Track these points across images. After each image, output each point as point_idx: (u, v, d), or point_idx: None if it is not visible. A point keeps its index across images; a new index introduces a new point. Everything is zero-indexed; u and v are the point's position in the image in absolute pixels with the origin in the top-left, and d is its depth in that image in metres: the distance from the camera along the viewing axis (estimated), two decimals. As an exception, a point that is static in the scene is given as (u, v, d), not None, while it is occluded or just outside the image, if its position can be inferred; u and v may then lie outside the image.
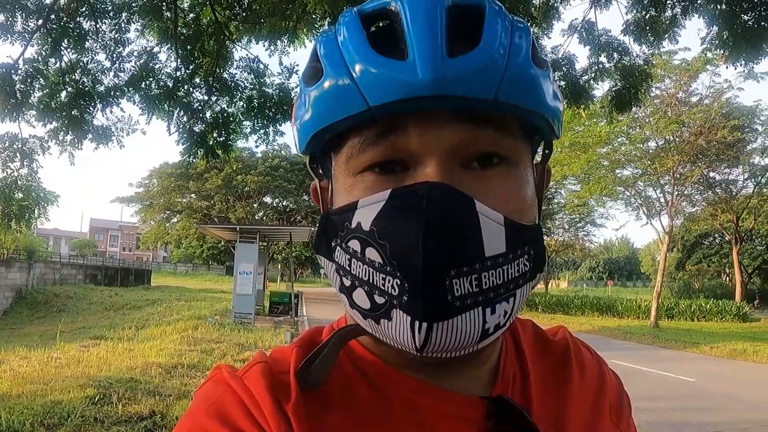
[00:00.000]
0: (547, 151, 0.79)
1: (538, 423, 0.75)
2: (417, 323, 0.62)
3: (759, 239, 56.18)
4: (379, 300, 0.65)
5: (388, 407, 0.73)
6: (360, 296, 0.68)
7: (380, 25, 0.70)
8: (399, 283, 0.62)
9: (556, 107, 0.72)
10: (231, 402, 0.70)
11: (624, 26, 9.08)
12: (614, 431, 0.87)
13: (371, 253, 0.65)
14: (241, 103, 10.27)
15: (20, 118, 9.31)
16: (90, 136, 9.61)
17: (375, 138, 0.67)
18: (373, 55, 0.65)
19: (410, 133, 0.66)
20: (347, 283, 0.70)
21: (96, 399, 7.92)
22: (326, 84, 0.68)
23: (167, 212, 60.88)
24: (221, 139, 10.06)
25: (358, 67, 0.65)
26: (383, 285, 0.64)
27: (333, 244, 0.71)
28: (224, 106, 10.31)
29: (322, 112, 0.69)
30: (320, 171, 0.79)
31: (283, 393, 0.70)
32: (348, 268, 0.68)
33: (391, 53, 0.65)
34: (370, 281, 0.65)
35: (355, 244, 0.67)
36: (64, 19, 9.09)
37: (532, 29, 0.73)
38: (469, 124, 0.66)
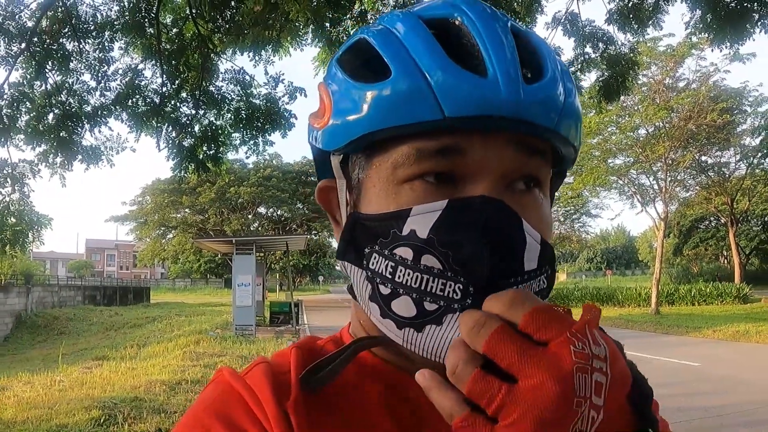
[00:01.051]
0: (560, 180, 0.83)
1: None
2: None
3: (755, 220, 56.35)
4: (431, 306, 0.65)
5: (388, 407, 0.73)
6: (403, 304, 0.67)
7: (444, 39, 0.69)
8: (462, 288, 0.63)
9: (580, 144, 0.76)
10: (232, 400, 0.70)
11: (607, 15, 9.10)
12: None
13: (429, 260, 0.64)
14: (229, 115, 10.29)
15: (8, 143, 9.32)
16: (79, 156, 9.62)
17: (436, 148, 0.66)
18: (453, 65, 0.64)
19: (474, 149, 0.66)
20: (385, 291, 0.68)
21: (101, 420, 7.90)
22: (396, 85, 0.66)
23: (162, 228, 60.80)
24: (211, 152, 10.07)
25: (434, 74, 0.64)
26: (442, 290, 0.64)
27: (367, 250, 0.70)
28: (212, 119, 10.33)
29: (384, 114, 0.67)
30: (339, 171, 0.76)
31: (284, 393, 0.70)
32: (389, 276, 0.67)
33: (466, 66, 0.64)
34: (422, 288, 0.65)
35: (405, 252, 0.66)
36: (47, 41, 9.09)
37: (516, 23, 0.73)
38: (525, 149, 0.68)
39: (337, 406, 0.72)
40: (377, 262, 0.68)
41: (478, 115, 0.63)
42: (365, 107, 0.67)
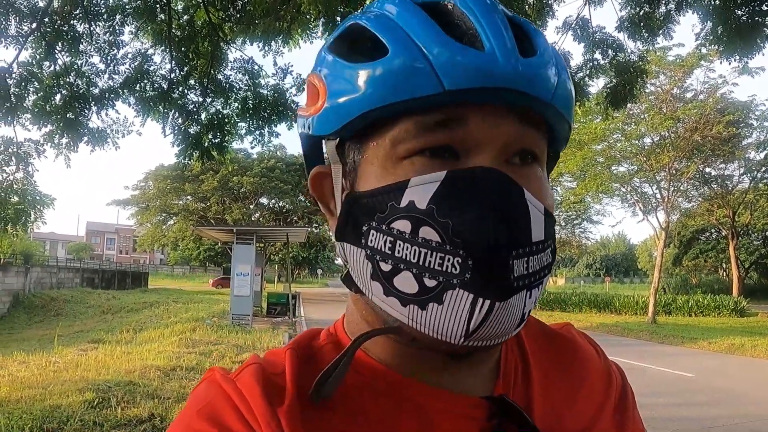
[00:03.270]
0: (552, 162, 0.82)
1: (540, 420, 0.75)
2: (480, 301, 0.62)
3: (755, 234, 56.36)
4: (430, 283, 0.64)
5: (386, 409, 0.72)
6: (405, 280, 0.65)
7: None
8: (460, 261, 0.62)
9: (572, 121, 0.76)
10: (223, 404, 0.69)
11: (618, 23, 9.08)
12: (619, 429, 0.86)
13: (427, 233, 0.63)
14: (236, 104, 10.26)
15: (15, 122, 9.30)
16: (85, 138, 9.59)
17: (435, 123, 0.66)
18: (450, 40, 0.65)
19: (471, 122, 0.66)
20: (386, 267, 0.66)
21: (95, 403, 7.92)
22: (394, 62, 0.66)
23: (163, 214, 60.76)
24: (216, 140, 10.05)
25: (433, 49, 0.65)
26: (440, 265, 0.63)
27: (365, 228, 0.68)
28: (219, 107, 10.30)
29: (383, 91, 0.66)
30: (335, 155, 0.75)
31: (277, 396, 0.69)
32: (389, 252, 0.66)
33: (465, 42, 0.65)
34: (421, 263, 0.64)
35: (403, 225, 0.65)
36: (58, 22, 9.08)
37: None
38: (522, 122, 0.68)
39: (335, 411, 0.71)
40: (375, 239, 0.67)
41: (478, 86, 0.64)
42: (362, 86, 0.67)
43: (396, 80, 0.65)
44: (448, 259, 0.62)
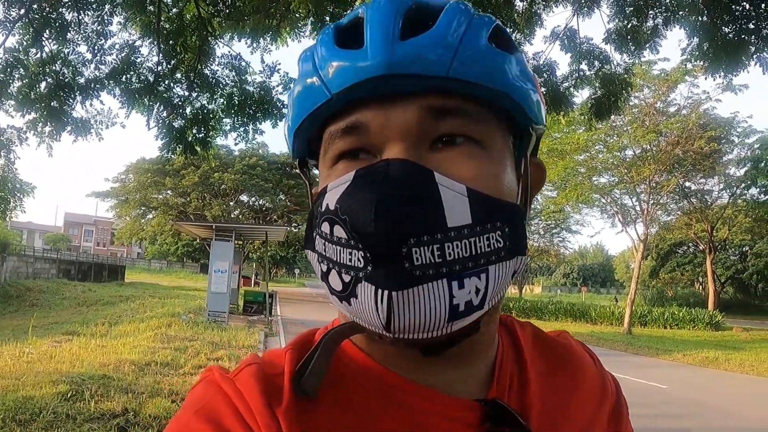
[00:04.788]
0: (527, 140, 0.77)
1: (536, 424, 0.75)
2: (380, 292, 0.62)
3: (732, 249, 56.94)
4: (346, 278, 0.65)
5: (380, 409, 0.72)
6: (333, 278, 0.68)
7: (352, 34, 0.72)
8: (362, 254, 0.62)
9: (525, 88, 0.72)
10: (221, 404, 0.69)
11: (606, 35, 9.16)
12: None
13: (338, 231, 0.65)
14: (222, 100, 10.25)
15: (-1, 108, 9.22)
16: (69, 127, 9.54)
17: (342, 129, 0.70)
18: (336, 50, 0.69)
19: (372, 118, 0.68)
20: (324, 268, 0.69)
21: (68, 395, 7.83)
22: (300, 86, 0.73)
23: (143, 208, 60.32)
24: (200, 135, 10.03)
25: (323, 64, 0.70)
26: (349, 260, 0.64)
27: (314, 234, 0.71)
28: (205, 102, 10.29)
29: (297, 110, 0.74)
30: (309, 175, 0.82)
31: (275, 396, 0.69)
32: (324, 253, 0.68)
33: (348, 47, 0.69)
34: (338, 260, 0.66)
35: (325, 226, 0.67)
36: (47, 9, 9.01)
37: (514, 35, 0.74)
38: (430, 112, 0.67)
39: (329, 409, 0.71)
40: (318, 242, 0.70)
41: (355, 82, 0.66)
42: (290, 111, 0.77)
43: (301, 99, 0.73)
44: (354, 254, 0.64)
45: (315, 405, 0.70)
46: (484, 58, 0.68)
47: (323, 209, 0.67)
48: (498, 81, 0.69)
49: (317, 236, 0.70)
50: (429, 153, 0.67)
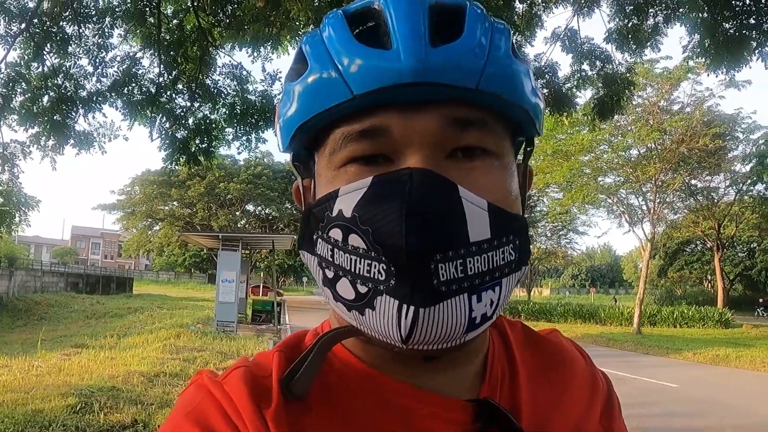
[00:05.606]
0: (528, 149, 0.80)
1: (527, 423, 0.75)
2: (405, 307, 0.61)
3: (740, 246, 56.80)
4: (362, 289, 0.64)
5: (372, 412, 0.72)
6: (344, 286, 0.67)
7: (366, 26, 0.70)
8: (385, 267, 0.62)
9: (536, 103, 0.73)
10: (210, 407, 0.69)
11: (606, 34, 9.14)
12: None
13: (354, 240, 0.64)
14: (224, 109, 10.26)
15: (2, 123, 9.26)
16: (72, 141, 9.58)
17: (359, 131, 0.67)
18: (358, 46, 0.66)
19: (393, 124, 0.66)
20: (330, 274, 0.68)
21: (77, 408, 7.85)
22: (311, 77, 0.68)
23: (149, 220, 60.62)
24: (203, 145, 10.05)
25: (342, 59, 0.66)
26: (368, 272, 0.63)
27: (315, 236, 0.70)
28: (207, 112, 10.31)
29: (307, 104, 0.69)
30: (302, 169, 0.79)
31: (264, 398, 0.69)
32: (330, 259, 0.67)
33: (375, 45, 0.65)
34: (353, 270, 0.65)
35: (336, 233, 0.66)
36: (47, 23, 9.05)
37: (514, 37, 0.73)
38: (453, 122, 0.66)
39: (319, 411, 0.71)
40: (321, 247, 0.69)
41: (383, 86, 0.64)
42: (295, 102, 0.71)
43: (315, 93, 0.68)
44: (375, 266, 0.63)
45: (305, 407, 0.70)
46: (508, 69, 0.69)
47: (334, 214, 0.66)
48: (518, 94, 0.70)
49: (321, 240, 0.69)
50: (448, 163, 0.66)
